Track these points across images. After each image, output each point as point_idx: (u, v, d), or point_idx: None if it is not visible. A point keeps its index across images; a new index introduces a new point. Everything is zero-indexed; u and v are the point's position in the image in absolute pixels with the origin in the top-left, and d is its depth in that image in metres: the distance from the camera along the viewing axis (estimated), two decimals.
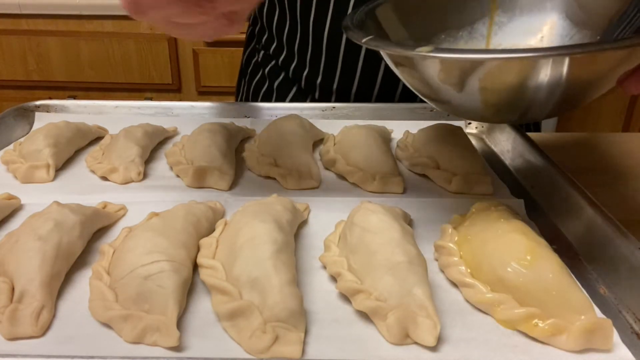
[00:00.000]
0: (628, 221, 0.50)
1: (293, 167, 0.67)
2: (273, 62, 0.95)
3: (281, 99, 0.94)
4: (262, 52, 0.97)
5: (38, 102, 0.84)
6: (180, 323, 0.43)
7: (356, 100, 0.88)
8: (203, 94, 2.09)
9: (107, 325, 0.42)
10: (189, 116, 0.86)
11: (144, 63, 2.04)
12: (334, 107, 0.86)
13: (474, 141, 0.76)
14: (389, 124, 0.81)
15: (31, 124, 0.81)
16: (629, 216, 0.52)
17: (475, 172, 0.66)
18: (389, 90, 0.87)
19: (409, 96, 0.86)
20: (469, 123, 0.84)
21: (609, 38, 0.57)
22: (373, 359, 0.40)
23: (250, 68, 1.00)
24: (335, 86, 0.89)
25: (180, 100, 2.04)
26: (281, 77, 0.94)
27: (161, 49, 2.01)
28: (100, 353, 0.40)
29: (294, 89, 0.93)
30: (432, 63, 0.49)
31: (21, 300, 0.43)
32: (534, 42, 0.63)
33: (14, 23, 2.00)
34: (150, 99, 1.95)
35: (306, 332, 0.42)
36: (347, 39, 0.82)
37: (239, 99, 1.05)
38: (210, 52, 1.99)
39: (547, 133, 0.96)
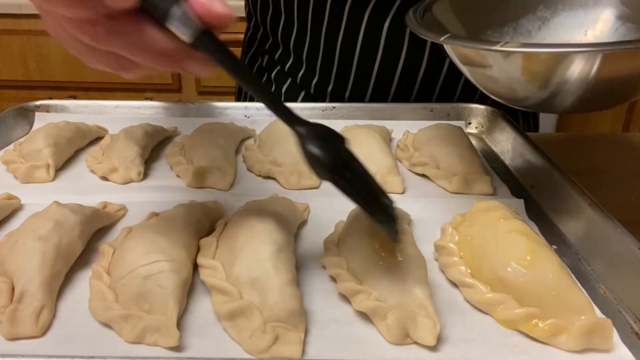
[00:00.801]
0: (628, 221, 0.50)
1: (293, 167, 0.67)
2: (278, 68, 0.94)
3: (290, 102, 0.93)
4: (266, 56, 0.96)
5: (38, 102, 0.84)
6: (180, 323, 0.43)
7: None
8: (203, 94, 2.09)
9: (107, 325, 0.42)
10: (189, 116, 0.86)
11: None
12: (334, 107, 0.86)
13: (474, 141, 0.76)
14: (389, 124, 0.80)
15: (31, 124, 0.81)
16: (629, 216, 0.52)
17: (475, 172, 0.66)
18: (403, 97, 0.87)
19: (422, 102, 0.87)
20: (469, 123, 0.84)
21: None
22: (373, 359, 0.40)
23: (253, 72, 0.99)
24: (347, 94, 0.88)
25: (180, 100, 2.04)
26: (288, 82, 0.93)
27: None
28: (100, 353, 0.40)
29: (303, 94, 0.92)
30: (516, 58, 0.50)
31: (21, 300, 0.43)
32: (578, 37, 0.65)
33: (14, 23, 2.00)
34: (151, 99, 1.95)
35: (306, 332, 0.42)
36: (362, 49, 0.82)
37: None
38: None
39: (547, 133, 0.96)
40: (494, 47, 0.48)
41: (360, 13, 0.80)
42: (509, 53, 0.49)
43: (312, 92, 0.91)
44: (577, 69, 0.47)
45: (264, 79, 0.96)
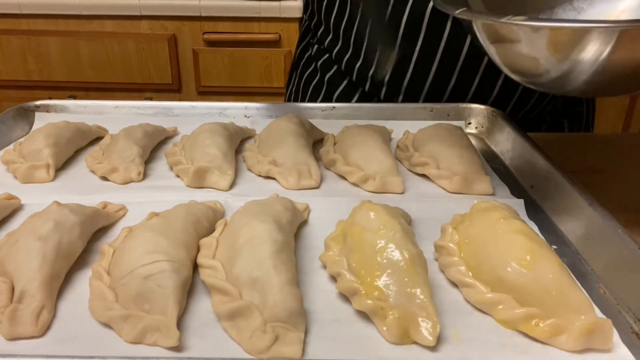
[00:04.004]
0: (628, 221, 0.50)
1: (293, 167, 0.67)
2: (326, 56, 0.98)
3: (331, 91, 0.96)
4: (316, 46, 1.00)
5: (38, 102, 0.84)
6: (180, 323, 0.43)
7: (407, 93, 0.88)
8: (203, 94, 2.09)
9: (107, 325, 0.42)
10: (189, 116, 0.86)
11: (144, 63, 2.03)
12: (334, 107, 0.86)
13: (474, 141, 0.76)
14: (389, 124, 0.81)
15: (31, 124, 0.81)
16: (629, 216, 0.52)
17: (475, 172, 0.66)
18: (441, 84, 0.87)
19: (456, 98, 0.87)
20: (469, 123, 0.84)
21: None
22: (373, 359, 0.40)
23: (303, 61, 1.03)
24: (387, 78, 0.89)
25: (180, 100, 2.04)
26: (333, 69, 0.96)
27: (161, 49, 2.00)
28: (100, 353, 0.40)
29: (345, 82, 0.95)
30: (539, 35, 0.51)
31: (21, 300, 0.43)
32: None
33: (14, 23, 2.00)
34: (150, 99, 1.95)
35: (306, 332, 0.42)
36: (404, 31, 0.83)
37: (289, 91, 1.08)
38: (210, 52, 1.99)
39: (547, 133, 0.96)
40: (501, 20, 0.49)
41: (402, 2, 0.81)
42: (539, 27, 0.50)
43: (355, 78, 0.93)
44: (596, 45, 0.47)
45: (311, 68, 1.01)
